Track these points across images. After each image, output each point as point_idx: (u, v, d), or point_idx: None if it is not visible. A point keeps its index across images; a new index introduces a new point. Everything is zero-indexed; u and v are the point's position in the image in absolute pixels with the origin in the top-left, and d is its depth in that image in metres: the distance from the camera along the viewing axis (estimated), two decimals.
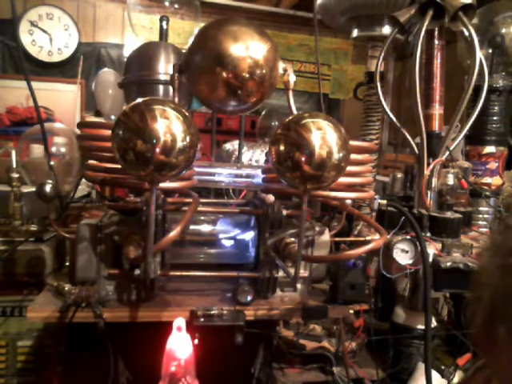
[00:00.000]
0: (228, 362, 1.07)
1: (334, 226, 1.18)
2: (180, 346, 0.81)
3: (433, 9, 1.18)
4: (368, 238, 1.18)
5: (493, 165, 1.58)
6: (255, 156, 1.47)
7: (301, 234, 0.85)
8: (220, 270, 1.04)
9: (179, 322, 0.82)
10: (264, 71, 0.89)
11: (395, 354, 1.18)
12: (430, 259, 1.08)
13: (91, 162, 0.96)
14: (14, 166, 1.20)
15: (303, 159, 0.73)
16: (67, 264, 1.18)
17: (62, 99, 3.62)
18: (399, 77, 4.10)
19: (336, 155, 0.74)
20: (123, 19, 3.84)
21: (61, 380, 1.09)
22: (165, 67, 1.22)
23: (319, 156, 0.72)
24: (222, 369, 1.07)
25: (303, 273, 1.03)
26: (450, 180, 1.17)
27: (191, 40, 0.94)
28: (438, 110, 1.25)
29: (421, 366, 1.10)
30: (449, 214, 1.16)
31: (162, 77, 1.21)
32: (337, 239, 1.15)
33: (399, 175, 1.43)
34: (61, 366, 1.08)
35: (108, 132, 0.75)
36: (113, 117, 2.51)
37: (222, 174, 1.13)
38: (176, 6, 1.97)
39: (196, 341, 0.89)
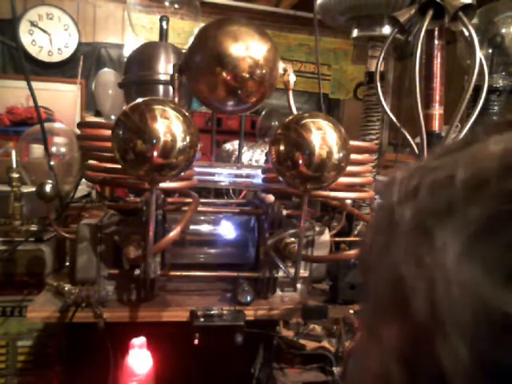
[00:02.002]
0: (228, 362, 1.07)
1: (333, 226, 1.18)
2: (140, 362, 0.83)
3: (433, 9, 1.18)
4: None
5: None
6: (255, 156, 1.47)
7: (301, 234, 0.85)
8: (220, 270, 1.04)
9: (139, 340, 0.85)
10: (264, 71, 0.89)
11: None
12: None
13: (91, 161, 0.96)
14: (14, 166, 1.20)
15: (303, 159, 0.73)
16: (67, 264, 1.18)
17: (62, 99, 3.62)
18: (399, 77, 4.10)
19: (336, 155, 0.74)
20: (123, 19, 3.83)
21: (61, 380, 1.09)
22: (165, 67, 1.22)
23: (319, 156, 0.73)
24: (222, 369, 1.07)
25: (303, 273, 1.03)
26: None
27: (191, 40, 0.94)
28: (437, 110, 1.25)
29: None
30: None
31: (162, 77, 1.21)
32: (337, 239, 1.15)
33: None
34: (61, 366, 1.08)
35: (108, 132, 0.75)
36: (113, 117, 2.50)
37: (222, 174, 1.13)
38: (176, 5, 1.97)
39: (196, 341, 0.89)
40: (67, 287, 0.92)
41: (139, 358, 0.84)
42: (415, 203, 0.25)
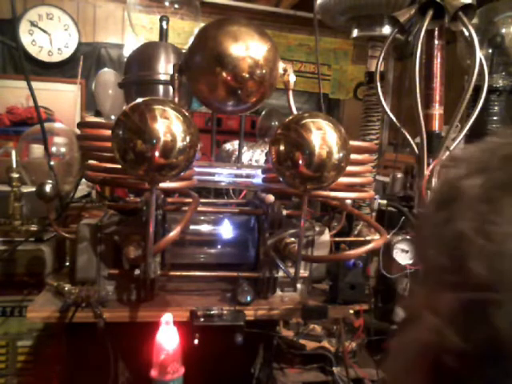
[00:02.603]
0: (228, 362, 1.07)
1: (333, 226, 1.18)
2: (168, 338, 0.84)
3: (433, 9, 1.18)
4: (368, 237, 1.18)
5: None
6: (255, 156, 1.47)
7: (301, 234, 0.85)
8: (220, 270, 1.04)
9: (167, 317, 0.86)
10: (264, 71, 0.89)
11: None
12: None
13: (91, 161, 0.96)
14: (14, 166, 1.20)
15: (303, 159, 0.73)
16: (67, 264, 1.18)
17: (61, 99, 3.62)
18: (399, 77, 4.10)
19: (336, 155, 0.74)
20: (123, 19, 3.83)
21: (61, 380, 1.09)
22: (165, 67, 1.22)
23: (319, 156, 0.73)
24: (222, 369, 1.07)
25: (303, 273, 1.03)
26: None
27: (191, 40, 0.94)
28: (438, 110, 1.25)
29: None
30: None
31: (162, 77, 1.21)
32: (337, 239, 1.15)
33: (399, 175, 1.43)
34: (61, 366, 1.08)
35: (108, 132, 0.75)
36: (113, 117, 2.50)
37: (222, 174, 1.13)
38: (176, 5, 1.97)
39: (196, 341, 0.89)
40: (67, 287, 0.92)
41: (167, 334, 0.85)
42: (483, 176, 0.26)
